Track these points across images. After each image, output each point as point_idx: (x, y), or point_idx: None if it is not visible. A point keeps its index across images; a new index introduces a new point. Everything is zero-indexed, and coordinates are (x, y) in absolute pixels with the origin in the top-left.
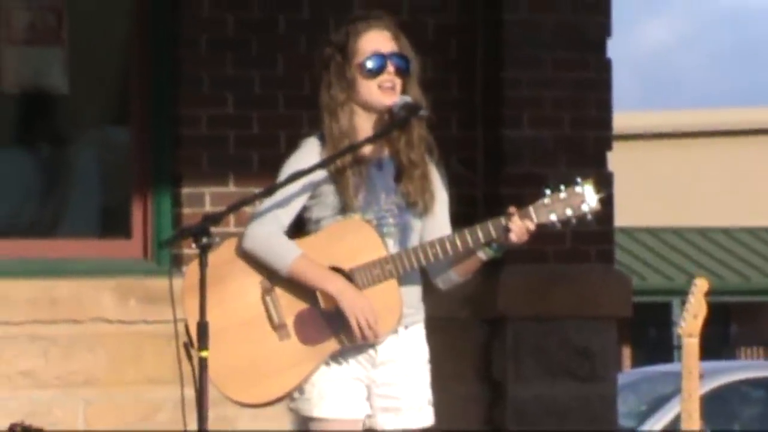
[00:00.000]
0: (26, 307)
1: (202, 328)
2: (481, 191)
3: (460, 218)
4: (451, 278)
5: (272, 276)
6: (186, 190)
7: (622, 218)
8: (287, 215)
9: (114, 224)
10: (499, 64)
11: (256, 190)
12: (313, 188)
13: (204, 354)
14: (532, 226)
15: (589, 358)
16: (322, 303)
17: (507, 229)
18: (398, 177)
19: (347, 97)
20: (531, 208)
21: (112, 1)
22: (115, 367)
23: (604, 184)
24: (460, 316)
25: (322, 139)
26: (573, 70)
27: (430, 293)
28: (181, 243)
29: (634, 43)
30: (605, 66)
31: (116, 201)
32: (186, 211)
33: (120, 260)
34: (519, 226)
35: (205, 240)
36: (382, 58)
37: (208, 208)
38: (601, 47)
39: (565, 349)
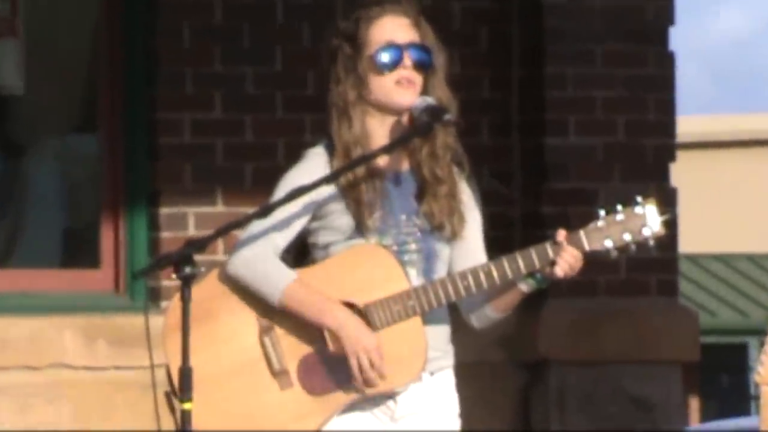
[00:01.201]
0: None
1: (185, 374)
2: (519, 210)
3: (494, 242)
4: (487, 315)
5: (271, 312)
6: (165, 211)
7: (687, 243)
8: (284, 237)
9: (79, 251)
10: (538, 58)
11: (250, 210)
12: (319, 207)
13: (187, 406)
14: (579, 260)
15: (649, 411)
16: (330, 343)
17: (553, 261)
18: (420, 195)
19: (358, 95)
20: (582, 233)
21: None
22: (80, 422)
23: (666, 201)
24: (494, 360)
25: (330, 149)
26: (628, 65)
27: (459, 333)
28: (159, 273)
29: (702, 33)
30: (667, 60)
31: (82, 224)
32: (165, 235)
33: (86, 294)
34: (568, 256)
35: (187, 270)
36: (398, 49)
37: (192, 231)
38: (663, 38)
39: (620, 399)
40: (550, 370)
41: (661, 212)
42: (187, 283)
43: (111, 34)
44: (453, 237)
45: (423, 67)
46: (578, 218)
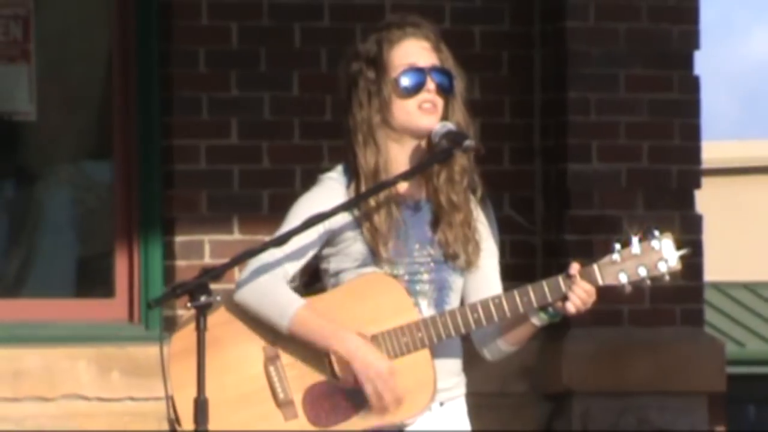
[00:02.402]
0: None
1: (201, 405)
2: (540, 238)
3: (516, 270)
4: (499, 348)
5: (277, 341)
6: (180, 239)
7: (713, 271)
8: (293, 264)
9: (93, 281)
10: (561, 82)
11: (267, 238)
12: (333, 234)
13: None
14: (592, 295)
15: None
16: (337, 372)
17: (565, 296)
18: (435, 222)
19: (382, 119)
20: (596, 267)
21: (89, 7)
22: None
23: (692, 229)
24: (515, 391)
25: (347, 174)
26: (653, 89)
27: (481, 363)
28: (175, 303)
29: (729, 56)
30: (692, 85)
31: (95, 252)
32: (180, 263)
33: (100, 324)
34: (581, 291)
35: (203, 299)
36: (421, 72)
37: (208, 260)
38: (688, 62)
39: (644, 430)
40: (574, 400)
41: (678, 247)
42: (202, 312)
43: (125, 59)
44: (468, 266)
45: (445, 91)
46: (601, 246)
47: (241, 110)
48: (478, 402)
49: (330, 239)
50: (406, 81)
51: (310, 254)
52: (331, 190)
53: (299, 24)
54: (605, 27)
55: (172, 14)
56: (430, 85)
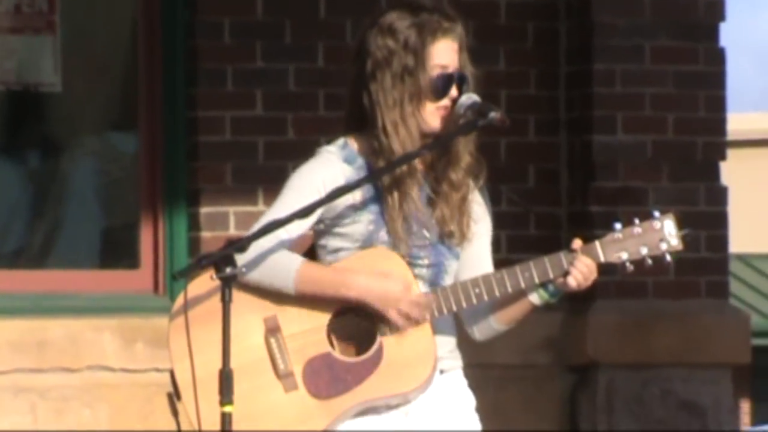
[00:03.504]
0: (10, 353)
1: (226, 376)
2: (565, 210)
3: (541, 242)
4: (492, 326)
5: (278, 312)
6: (205, 210)
7: (738, 243)
8: (289, 233)
9: (118, 252)
10: (586, 54)
11: (268, 212)
12: (331, 212)
13: (228, 409)
14: (593, 271)
15: (699, 415)
16: (337, 348)
17: (566, 272)
18: (432, 202)
19: (415, 108)
20: (598, 244)
21: None
22: (118, 425)
23: (717, 200)
24: (540, 363)
25: (346, 150)
26: (678, 61)
27: (504, 335)
28: (200, 274)
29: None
30: (718, 57)
31: (121, 223)
32: (205, 235)
33: (125, 295)
34: (583, 266)
35: (228, 270)
36: (450, 80)
37: (233, 231)
38: (713, 34)
39: (669, 403)
40: (598, 372)
41: (680, 227)
42: (227, 284)
43: (150, 30)
44: (461, 241)
45: (460, 94)
46: (626, 218)
47: (266, 81)
48: (501, 374)
49: (325, 216)
50: (439, 85)
51: (303, 230)
52: (329, 163)
53: None
54: None
55: None
56: (453, 92)
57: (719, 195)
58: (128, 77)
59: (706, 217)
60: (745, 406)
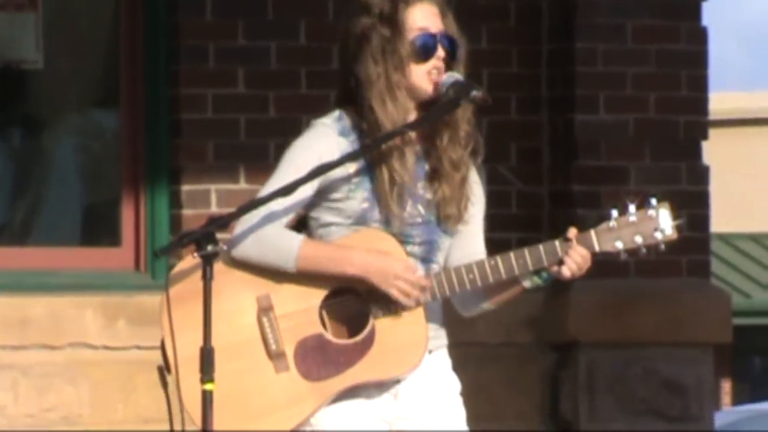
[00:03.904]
0: None
1: (207, 354)
2: (547, 188)
3: (522, 221)
4: (481, 307)
5: (271, 291)
6: (187, 188)
7: (720, 222)
8: (287, 212)
9: (99, 229)
10: (568, 32)
11: (265, 188)
12: (326, 185)
13: (208, 387)
14: (587, 260)
15: (680, 394)
16: (329, 329)
17: (561, 260)
18: (431, 179)
19: (401, 76)
20: (593, 233)
21: None
22: (100, 403)
23: (698, 180)
24: (521, 341)
25: (341, 122)
26: (660, 40)
27: (487, 314)
28: (181, 252)
29: (737, 7)
30: (700, 35)
31: (102, 201)
32: (187, 212)
33: (107, 272)
34: (577, 256)
35: (210, 248)
36: (433, 39)
37: (214, 209)
38: (695, 13)
39: (651, 382)
40: (579, 351)
41: (675, 216)
42: (209, 261)
43: (132, 7)
44: (457, 222)
45: (451, 58)
46: (608, 196)
47: (248, 59)
48: (483, 352)
49: (322, 190)
50: (420, 46)
51: (304, 204)
52: (324, 135)
53: None
54: None
55: None
56: (440, 52)
57: (701, 174)
58: (110, 54)
59: (687, 196)
60: (726, 386)
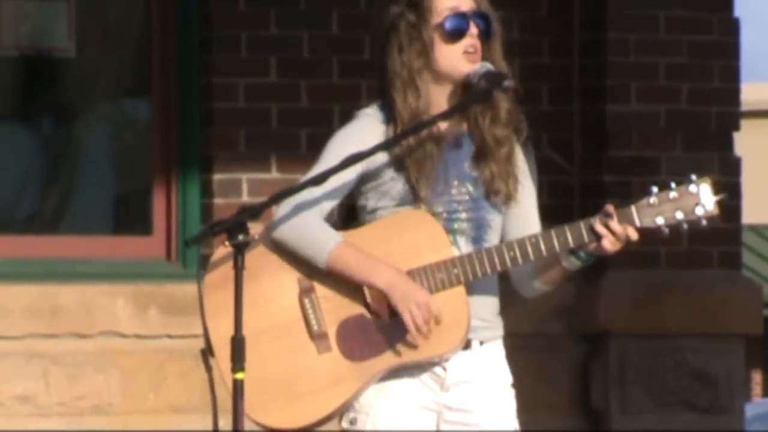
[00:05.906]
0: (23, 318)
1: (238, 343)
2: (578, 179)
3: (553, 210)
4: (534, 287)
5: (313, 272)
6: (218, 177)
7: (751, 214)
8: (330, 201)
9: (131, 218)
10: (600, 23)
11: (303, 177)
12: (370, 172)
13: (239, 376)
14: (633, 235)
15: (711, 385)
16: (372, 306)
17: (599, 235)
18: (477, 158)
19: (424, 63)
20: (633, 209)
21: None
22: (130, 391)
23: (730, 171)
24: (551, 332)
25: (385, 111)
26: (692, 31)
27: (512, 302)
28: (212, 241)
29: None
30: (732, 26)
31: (134, 190)
32: (218, 201)
33: (138, 261)
34: (617, 231)
35: (241, 237)
36: (464, 18)
37: (246, 198)
38: (727, 3)
39: (681, 373)
40: (610, 342)
41: (716, 192)
42: (240, 251)
43: None
44: (507, 200)
45: (485, 35)
46: (639, 187)
47: (280, 48)
48: (513, 342)
49: (366, 176)
50: (451, 26)
51: (347, 191)
52: (368, 126)
53: None
54: None
55: None
56: (473, 30)
57: (733, 165)
58: (142, 43)
59: (719, 187)
60: (757, 377)
